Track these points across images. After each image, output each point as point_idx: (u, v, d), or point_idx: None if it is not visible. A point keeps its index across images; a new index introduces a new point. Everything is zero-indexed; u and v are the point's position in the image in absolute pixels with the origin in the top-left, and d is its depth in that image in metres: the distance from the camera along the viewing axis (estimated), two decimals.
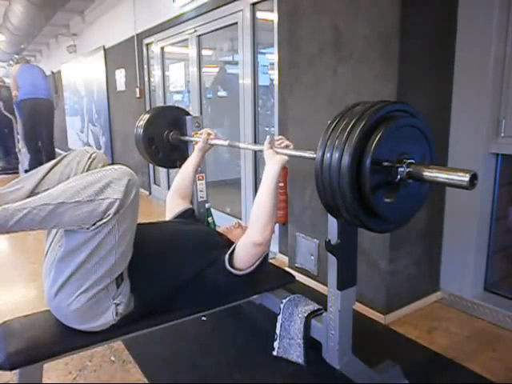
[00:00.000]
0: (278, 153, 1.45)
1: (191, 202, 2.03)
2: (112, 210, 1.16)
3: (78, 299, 1.23)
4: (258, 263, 1.46)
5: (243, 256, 1.45)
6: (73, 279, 1.22)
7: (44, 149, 4.75)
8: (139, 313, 1.39)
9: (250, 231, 1.43)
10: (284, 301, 1.65)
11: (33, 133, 4.59)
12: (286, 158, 1.43)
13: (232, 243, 1.53)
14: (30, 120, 4.51)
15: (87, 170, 1.44)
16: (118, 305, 1.31)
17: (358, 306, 2.07)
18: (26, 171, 4.76)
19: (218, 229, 1.81)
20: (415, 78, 1.93)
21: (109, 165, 1.38)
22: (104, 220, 1.16)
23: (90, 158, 1.47)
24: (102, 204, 1.15)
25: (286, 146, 1.48)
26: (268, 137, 1.47)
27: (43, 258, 1.37)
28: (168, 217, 1.89)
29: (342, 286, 1.34)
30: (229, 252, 1.47)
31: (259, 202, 1.42)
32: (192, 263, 1.47)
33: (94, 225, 1.16)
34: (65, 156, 1.51)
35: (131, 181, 1.21)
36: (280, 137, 1.53)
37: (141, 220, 1.69)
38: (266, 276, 1.86)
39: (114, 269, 1.25)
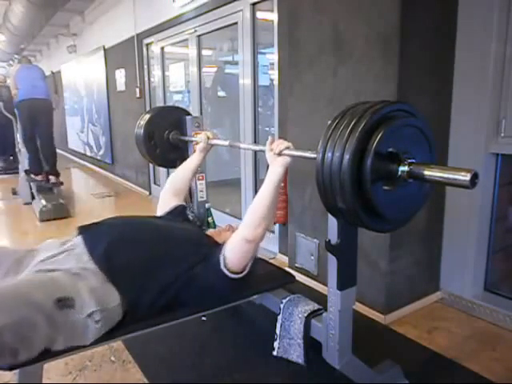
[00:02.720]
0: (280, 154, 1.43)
1: (184, 199, 2.00)
2: None
3: None
4: (249, 266, 1.44)
5: (233, 253, 1.42)
6: None
7: (43, 149, 4.75)
8: (133, 317, 1.37)
9: (243, 226, 1.41)
10: (284, 301, 1.65)
11: (31, 133, 4.60)
12: (289, 159, 1.41)
13: (218, 245, 1.52)
14: (28, 120, 4.52)
15: None
16: (97, 321, 1.26)
17: (358, 306, 2.07)
18: (26, 171, 4.76)
19: (207, 231, 1.78)
20: (415, 78, 1.93)
21: None
22: None
23: None
24: None
25: (286, 148, 1.44)
26: (270, 138, 1.46)
27: None
28: (159, 212, 1.86)
29: (341, 286, 1.34)
30: (222, 252, 1.43)
31: (258, 201, 1.41)
32: (177, 265, 1.44)
33: None
34: None
35: None
36: (280, 141, 1.45)
37: None
38: (266, 276, 1.86)
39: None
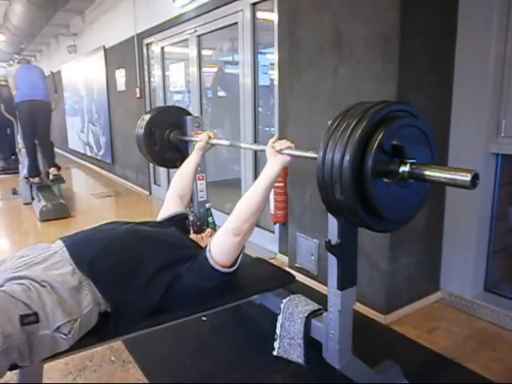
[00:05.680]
0: (280, 152, 1.42)
1: (188, 204, 1.98)
2: None
3: None
4: (238, 261, 1.44)
5: (219, 246, 1.41)
6: None
7: (42, 147, 4.79)
8: (121, 319, 1.34)
9: (230, 219, 1.41)
10: (284, 301, 1.65)
11: (31, 133, 4.64)
12: (289, 158, 1.41)
13: (203, 248, 1.50)
14: (28, 121, 4.57)
15: None
16: (66, 334, 1.20)
17: (358, 306, 2.06)
18: (25, 177, 4.77)
19: (190, 236, 1.74)
20: (415, 78, 1.93)
21: None
22: None
23: None
24: None
25: (288, 147, 1.43)
26: (275, 136, 1.45)
27: None
28: (161, 215, 1.83)
29: (342, 286, 1.34)
30: (208, 249, 1.43)
31: (250, 196, 1.40)
32: (162, 266, 1.41)
33: None
34: None
35: None
36: (284, 141, 1.45)
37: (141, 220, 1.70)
38: (266, 276, 1.86)
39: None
